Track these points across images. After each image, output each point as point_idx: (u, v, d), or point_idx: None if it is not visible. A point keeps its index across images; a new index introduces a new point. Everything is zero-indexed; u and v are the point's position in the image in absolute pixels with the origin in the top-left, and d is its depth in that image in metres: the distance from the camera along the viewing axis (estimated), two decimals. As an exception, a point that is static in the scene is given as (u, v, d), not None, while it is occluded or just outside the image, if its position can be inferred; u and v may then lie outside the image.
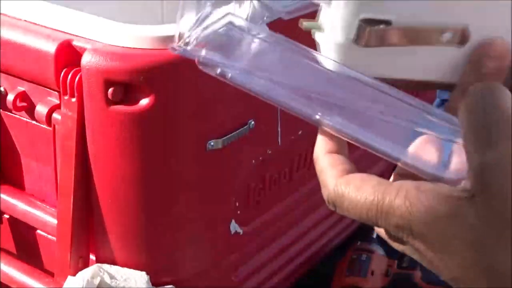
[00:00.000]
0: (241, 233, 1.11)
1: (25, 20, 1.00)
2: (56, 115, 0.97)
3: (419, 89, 0.45)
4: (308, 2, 0.44)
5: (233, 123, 1.00)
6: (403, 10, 0.41)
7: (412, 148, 0.41)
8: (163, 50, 0.90)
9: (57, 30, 0.97)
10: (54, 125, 1.00)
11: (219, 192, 1.05)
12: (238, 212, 1.09)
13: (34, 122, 1.03)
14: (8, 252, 1.17)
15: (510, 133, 0.35)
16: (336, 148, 0.44)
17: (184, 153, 0.97)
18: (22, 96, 1.02)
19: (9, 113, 1.06)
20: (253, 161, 1.07)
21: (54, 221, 1.03)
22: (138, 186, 0.96)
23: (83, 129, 0.94)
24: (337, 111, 0.42)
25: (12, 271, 1.13)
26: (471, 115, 0.37)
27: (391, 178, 0.43)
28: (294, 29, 0.46)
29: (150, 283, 0.99)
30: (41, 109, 0.98)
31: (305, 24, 0.44)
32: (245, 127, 1.02)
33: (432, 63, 0.43)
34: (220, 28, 0.45)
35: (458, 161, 0.39)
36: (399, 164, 0.41)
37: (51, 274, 1.09)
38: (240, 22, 0.45)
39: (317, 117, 0.41)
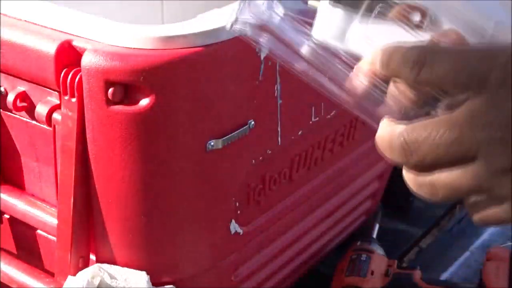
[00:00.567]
0: (241, 233, 1.11)
1: (25, 20, 1.00)
2: (56, 115, 0.97)
3: None
4: None
5: (233, 123, 1.00)
6: None
7: None
8: (163, 50, 0.90)
9: (57, 30, 0.97)
10: (54, 125, 1.00)
11: (219, 192, 1.05)
12: (238, 212, 1.09)
13: (34, 122, 1.03)
14: (8, 252, 1.17)
15: None
16: None
17: (184, 153, 0.97)
18: (22, 96, 1.02)
19: (9, 113, 1.06)
20: (253, 161, 1.07)
21: (54, 221, 1.03)
22: (138, 186, 0.96)
23: (83, 129, 0.95)
24: None
25: (12, 271, 1.13)
26: None
27: None
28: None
29: (150, 283, 0.99)
30: (41, 109, 0.98)
31: (310, 2, 0.46)
32: (245, 127, 1.02)
33: None
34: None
35: None
36: None
37: (51, 274, 1.09)
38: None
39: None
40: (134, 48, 0.91)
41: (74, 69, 0.92)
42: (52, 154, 1.03)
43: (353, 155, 1.34)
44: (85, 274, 0.97)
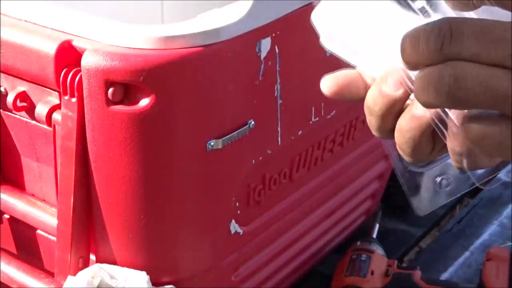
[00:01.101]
0: (241, 233, 1.11)
1: (25, 20, 1.00)
2: (56, 115, 0.97)
3: None
4: None
5: (233, 123, 1.00)
6: None
7: None
8: (163, 50, 0.90)
9: (57, 30, 0.97)
10: (54, 125, 1.00)
11: (219, 192, 1.05)
12: (238, 212, 1.09)
13: (34, 122, 1.03)
14: (8, 252, 1.17)
15: None
16: None
17: (184, 153, 0.97)
18: (22, 96, 1.02)
19: (9, 113, 1.06)
20: (253, 161, 1.07)
21: (54, 221, 1.03)
22: (138, 186, 0.96)
23: (83, 129, 0.95)
24: None
25: (12, 271, 1.13)
26: None
27: None
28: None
29: (150, 283, 0.99)
30: (41, 109, 0.98)
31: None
32: (245, 127, 1.02)
33: None
34: None
35: None
36: None
37: (51, 274, 1.09)
38: None
39: None
40: (134, 48, 0.91)
41: (74, 69, 0.92)
42: (52, 154, 1.03)
43: (353, 155, 1.34)
44: (85, 274, 0.97)
